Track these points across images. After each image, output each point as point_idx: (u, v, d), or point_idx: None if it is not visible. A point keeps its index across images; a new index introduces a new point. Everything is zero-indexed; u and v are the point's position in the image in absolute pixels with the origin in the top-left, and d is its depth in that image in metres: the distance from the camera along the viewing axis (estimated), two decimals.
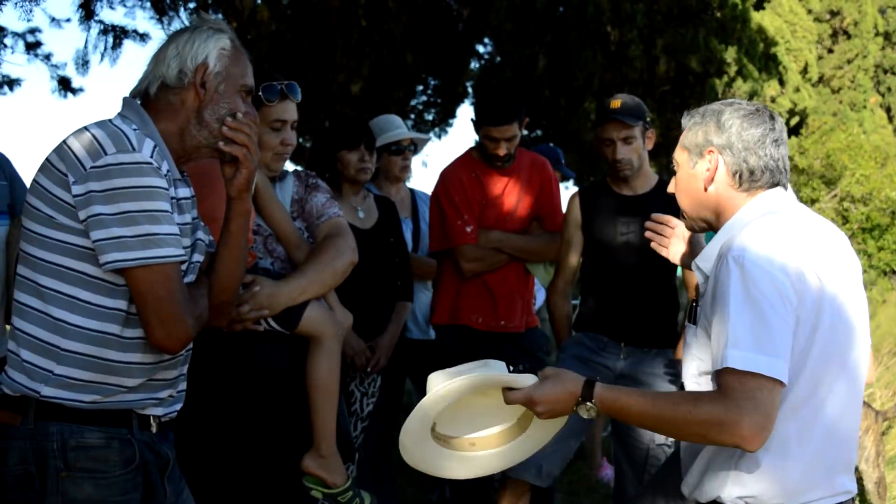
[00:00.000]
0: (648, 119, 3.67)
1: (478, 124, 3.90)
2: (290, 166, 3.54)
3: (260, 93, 2.74)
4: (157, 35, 8.76)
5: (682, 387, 2.16)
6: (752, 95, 12.34)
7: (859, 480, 4.27)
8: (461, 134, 57.39)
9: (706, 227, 2.17)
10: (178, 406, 2.18)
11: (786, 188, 2.10)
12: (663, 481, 2.83)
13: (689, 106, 2.24)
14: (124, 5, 8.30)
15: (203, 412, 2.66)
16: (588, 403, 1.98)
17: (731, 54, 11.81)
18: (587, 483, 5.37)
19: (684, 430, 1.91)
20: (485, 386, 2.09)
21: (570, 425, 3.64)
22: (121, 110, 2.09)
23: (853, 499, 2.04)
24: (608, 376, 3.61)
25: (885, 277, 16.50)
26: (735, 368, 1.82)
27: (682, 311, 3.90)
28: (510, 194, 4.01)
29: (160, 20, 8.38)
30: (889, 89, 20.93)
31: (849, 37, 19.85)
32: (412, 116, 14.54)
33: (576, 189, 5.47)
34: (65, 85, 8.45)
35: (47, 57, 8.38)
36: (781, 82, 15.39)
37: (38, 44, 8.28)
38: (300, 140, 9.11)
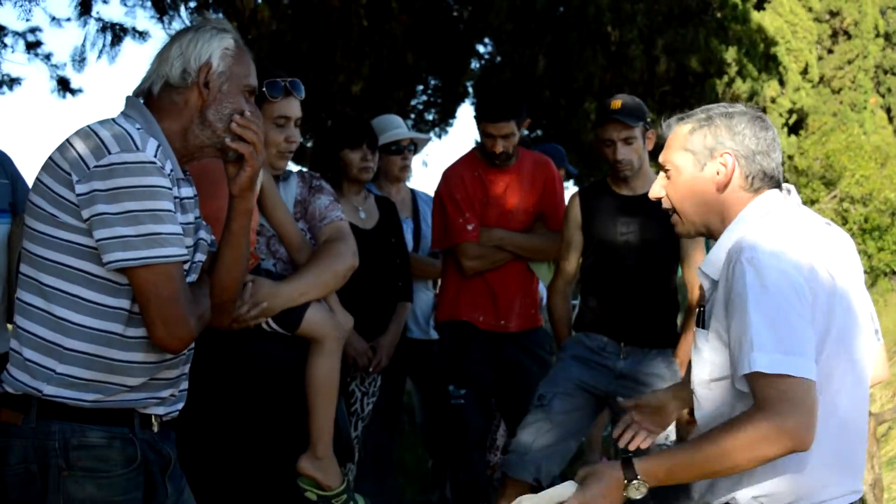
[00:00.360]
0: (649, 119, 3.67)
1: (477, 120, 3.95)
2: (292, 166, 3.54)
3: (263, 89, 2.73)
4: (158, 34, 8.71)
5: (690, 393, 2.13)
6: (752, 95, 12.34)
7: None
8: (461, 134, 57.30)
9: (704, 232, 2.12)
10: (180, 405, 2.18)
11: (789, 192, 2.09)
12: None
13: (689, 106, 2.21)
14: (125, 4, 8.29)
15: (203, 411, 2.66)
16: (635, 482, 1.93)
17: (731, 54, 11.79)
18: None
19: (738, 459, 1.84)
20: None
21: (569, 426, 3.69)
22: (124, 109, 2.09)
23: (861, 499, 2.03)
24: (608, 376, 3.62)
25: (885, 278, 16.48)
26: (763, 373, 1.80)
27: (682, 311, 3.91)
28: (512, 193, 4.02)
29: (161, 19, 8.36)
30: (889, 90, 20.90)
31: (849, 37, 19.81)
32: (412, 116, 14.50)
33: (576, 189, 5.47)
34: (64, 85, 8.44)
35: (47, 56, 8.36)
36: (781, 82, 15.37)
37: (38, 43, 8.27)
38: (302, 139, 9.08)
